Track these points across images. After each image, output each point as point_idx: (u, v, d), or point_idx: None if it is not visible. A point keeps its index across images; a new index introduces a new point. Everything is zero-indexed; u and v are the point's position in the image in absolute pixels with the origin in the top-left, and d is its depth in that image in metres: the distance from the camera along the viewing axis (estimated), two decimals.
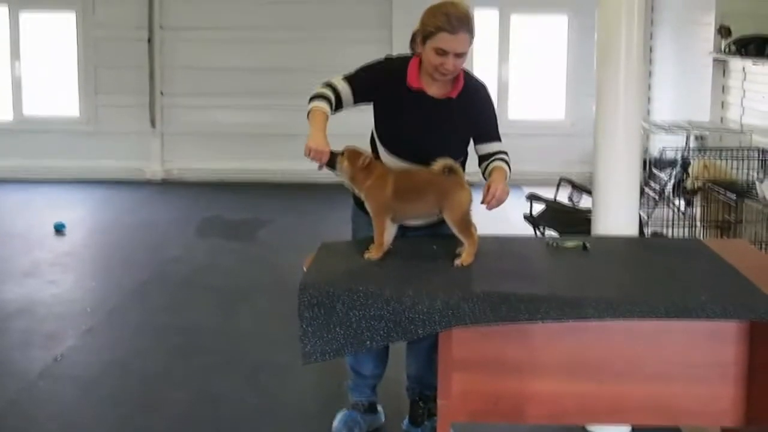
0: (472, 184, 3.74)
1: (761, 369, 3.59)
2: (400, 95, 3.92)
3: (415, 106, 3.91)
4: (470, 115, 3.94)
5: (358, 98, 3.94)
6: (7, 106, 11.07)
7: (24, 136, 10.95)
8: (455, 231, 3.69)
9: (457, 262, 3.64)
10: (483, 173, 3.97)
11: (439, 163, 3.67)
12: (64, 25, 10.99)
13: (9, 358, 5.33)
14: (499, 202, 3.73)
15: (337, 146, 3.74)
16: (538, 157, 10.50)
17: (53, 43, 11.18)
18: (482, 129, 3.98)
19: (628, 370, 3.68)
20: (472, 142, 4.02)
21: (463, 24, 3.78)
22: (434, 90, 3.93)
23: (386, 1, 10.58)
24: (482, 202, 3.74)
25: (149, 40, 10.80)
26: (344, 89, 3.90)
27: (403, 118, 3.93)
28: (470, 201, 3.70)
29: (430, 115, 3.91)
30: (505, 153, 3.98)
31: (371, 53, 4.10)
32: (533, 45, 11.10)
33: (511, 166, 3.94)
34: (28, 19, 11.08)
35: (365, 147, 3.93)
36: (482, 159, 3.96)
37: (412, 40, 3.94)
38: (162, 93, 10.93)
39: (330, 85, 3.90)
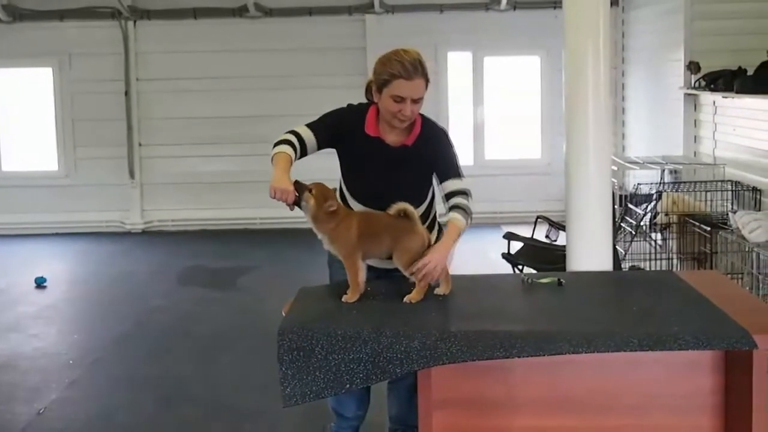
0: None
1: (737, 397, 3.62)
2: (359, 143, 3.99)
3: (373, 154, 3.98)
4: (427, 159, 4.00)
5: (322, 144, 4.02)
6: None
7: (3, 192, 10.96)
8: (405, 273, 3.75)
9: (406, 299, 3.71)
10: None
11: (395, 207, 3.74)
12: (41, 80, 11.04)
13: None
14: (431, 276, 3.71)
15: None
16: (516, 196, 10.64)
17: (31, 99, 11.23)
18: (441, 168, 4.01)
19: (607, 403, 3.71)
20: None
21: (418, 69, 3.85)
22: (392, 138, 4.00)
23: (360, 48, 10.70)
24: (410, 273, 3.74)
25: (126, 93, 10.86)
26: (308, 136, 3.97)
27: (363, 165, 4.02)
28: (422, 244, 3.76)
29: (388, 163, 3.98)
30: (465, 194, 3.94)
31: (346, 99, 4.15)
32: (508, 86, 11.21)
33: (470, 209, 3.90)
34: (4, 75, 11.14)
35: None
36: (445, 198, 3.98)
37: (367, 90, 4.02)
38: (140, 144, 10.98)
39: (294, 132, 3.98)
